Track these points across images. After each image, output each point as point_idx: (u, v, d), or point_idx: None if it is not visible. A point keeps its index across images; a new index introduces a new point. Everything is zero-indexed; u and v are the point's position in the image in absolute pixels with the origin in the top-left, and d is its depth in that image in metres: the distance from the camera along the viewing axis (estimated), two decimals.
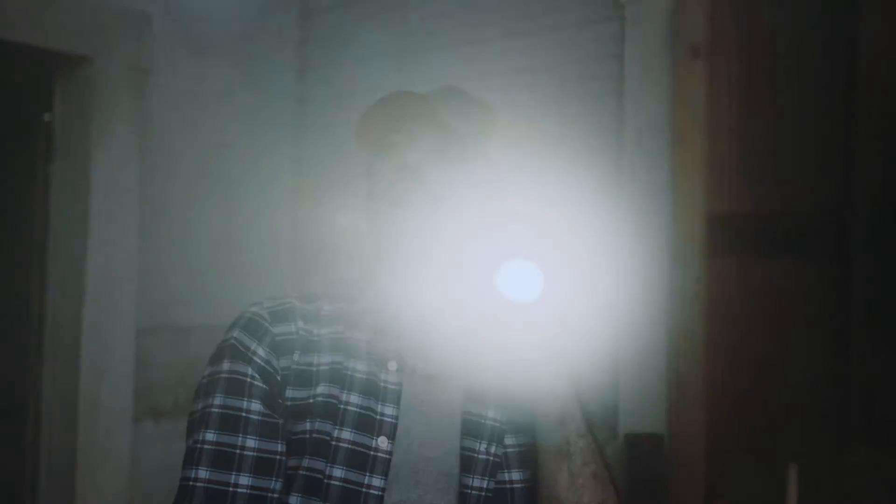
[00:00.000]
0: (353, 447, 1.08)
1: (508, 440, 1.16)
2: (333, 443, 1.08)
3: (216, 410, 1.08)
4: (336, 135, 3.21)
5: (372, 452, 1.09)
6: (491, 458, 1.13)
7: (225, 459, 1.06)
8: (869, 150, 2.07)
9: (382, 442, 1.09)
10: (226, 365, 1.10)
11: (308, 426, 1.09)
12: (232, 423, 1.07)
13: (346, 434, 1.09)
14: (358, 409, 1.10)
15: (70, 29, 2.67)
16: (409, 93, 1.12)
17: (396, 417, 1.11)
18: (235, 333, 1.12)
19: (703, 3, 2.40)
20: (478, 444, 1.13)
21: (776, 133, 2.34)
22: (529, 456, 1.15)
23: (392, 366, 1.13)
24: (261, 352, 1.10)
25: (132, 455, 2.78)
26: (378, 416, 1.10)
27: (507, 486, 1.14)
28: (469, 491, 1.11)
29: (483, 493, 1.11)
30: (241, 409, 1.07)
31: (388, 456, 1.09)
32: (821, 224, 2.25)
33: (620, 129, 2.52)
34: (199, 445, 1.07)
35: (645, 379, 2.42)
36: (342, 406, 1.10)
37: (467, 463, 1.12)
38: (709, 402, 2.35)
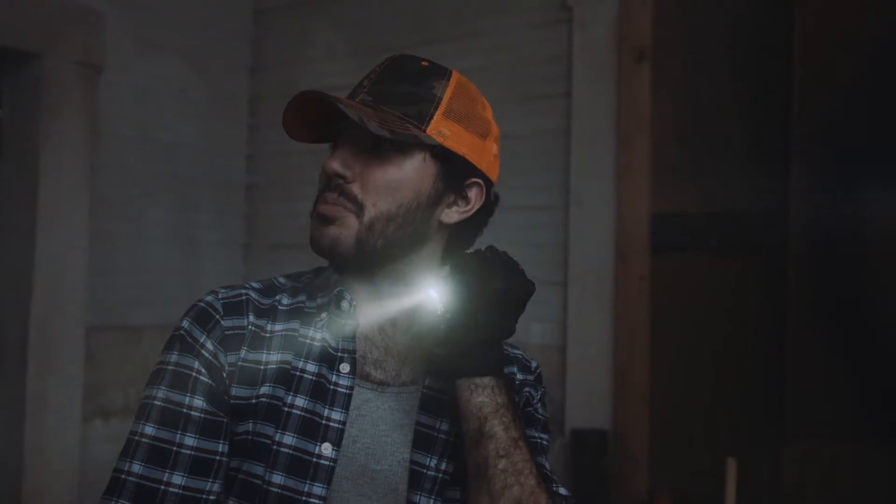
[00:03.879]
0: (294, 452, 1.03)
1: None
2: (274, 447, 1.02)
3: (158, 403, 1.03)
4: None
5: (314, 459, 1.02)
6: (440, 475, 1.06)
7: (160, 456, 1.01)
8: (804, 153, 2.13)
9: (326, 448, 1.03)
10: (174, 356, 1.05)
11: (250, 427, 1.04)
12: (172, 418, 1.02)
13: (288, 439, 1.03)
14: (302, 413, 1.04)
15: (18, 25, 2.63)
16: (321, 93, 1.03)
17: (343, 423, 1.04)
18: (185, 324, 1.07)
19: (648, 7, 2.45)
20: (427, 460, 1.06)
21: (718, 135, 2.40)
22: None
23: (344, 368, 1.06)
24: (209, 345, 1.05)
25: (81, 455, 2.74)
26: (323, 421, 1.04)
27: None
28: None
29: None
30: (182, 405, 1.03)
31: (331, 463, 1.03)
32: (760, 224, 2.31)
33: (568, 129, 2.56)
34: (136, 438, 1.03)
35: (591, 376, 2.46)
36: (286, 409, 1.04)
37: (416, 478, 1.05)
38: (652, 399, 2.40)
